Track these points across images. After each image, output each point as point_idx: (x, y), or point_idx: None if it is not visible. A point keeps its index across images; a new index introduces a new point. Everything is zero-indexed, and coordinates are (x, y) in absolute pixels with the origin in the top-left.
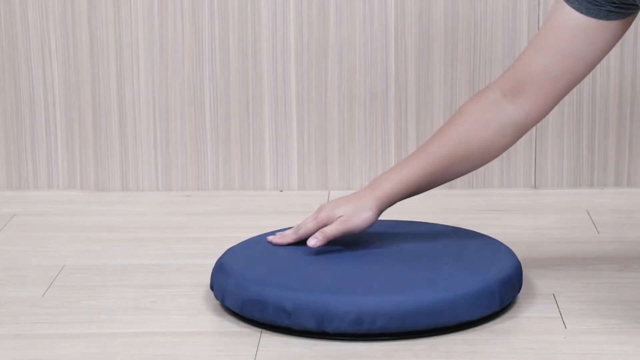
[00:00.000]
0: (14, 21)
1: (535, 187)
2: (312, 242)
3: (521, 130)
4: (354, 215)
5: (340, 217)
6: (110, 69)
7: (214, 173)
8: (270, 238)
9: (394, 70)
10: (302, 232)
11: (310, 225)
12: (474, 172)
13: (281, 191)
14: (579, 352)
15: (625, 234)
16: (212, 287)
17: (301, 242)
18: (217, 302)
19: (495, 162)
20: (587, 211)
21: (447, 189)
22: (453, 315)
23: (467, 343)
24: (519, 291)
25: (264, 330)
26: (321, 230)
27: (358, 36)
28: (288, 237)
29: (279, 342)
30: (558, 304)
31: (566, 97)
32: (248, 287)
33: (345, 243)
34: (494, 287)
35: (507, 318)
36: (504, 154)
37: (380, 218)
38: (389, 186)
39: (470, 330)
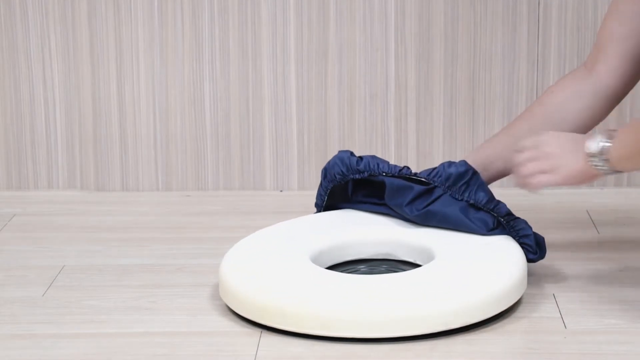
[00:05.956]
0: (14, 21)
1: None
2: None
3: (600, 97)
4: None
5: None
6: (110, 69)
7: (214, 173)
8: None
9: (394, 70)
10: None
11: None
12: None
13: (281, 191)
14: (579, 352)
15: (625, 234)
16: None
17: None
18: (217, 302)
19: None
20: (587, 211)
21: None
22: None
23: (467, 343)
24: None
25: (264, 330)
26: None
27: (358, 36)
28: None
29: (279, 342)
30: (558, 304)
31: None
32: None
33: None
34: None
35: (507, 318)
36: None
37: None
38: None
39: (470, 330)
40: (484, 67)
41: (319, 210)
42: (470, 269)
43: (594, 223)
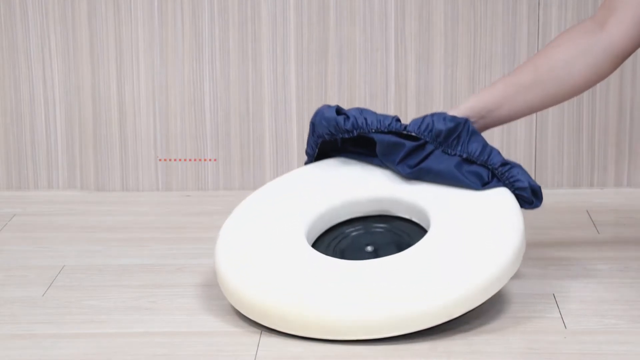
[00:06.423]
0: (14, 21)
1: None
2: None
3: (609, 55)
4: None
5: None
6: (110, 69)
7: (214, 173)
8: None
9: (394, 70)
10: None
11: None
12: None
13: None
14: (579, 352)
15: (625, 234)
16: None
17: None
18: (217, 302)
19: None
20: (587, 211)
21: None
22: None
23: (467, 343)
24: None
25: (264, 330)
26: None
27: (358, 36)
28: None
29: (279, 342)
30: (558, 304)
31: None
32: None
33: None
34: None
35: (507, 318)
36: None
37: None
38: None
39: (470, 330)
40: (484, 67)
41: (310, 160)
42: (465, 246)
43: (594, 223)
